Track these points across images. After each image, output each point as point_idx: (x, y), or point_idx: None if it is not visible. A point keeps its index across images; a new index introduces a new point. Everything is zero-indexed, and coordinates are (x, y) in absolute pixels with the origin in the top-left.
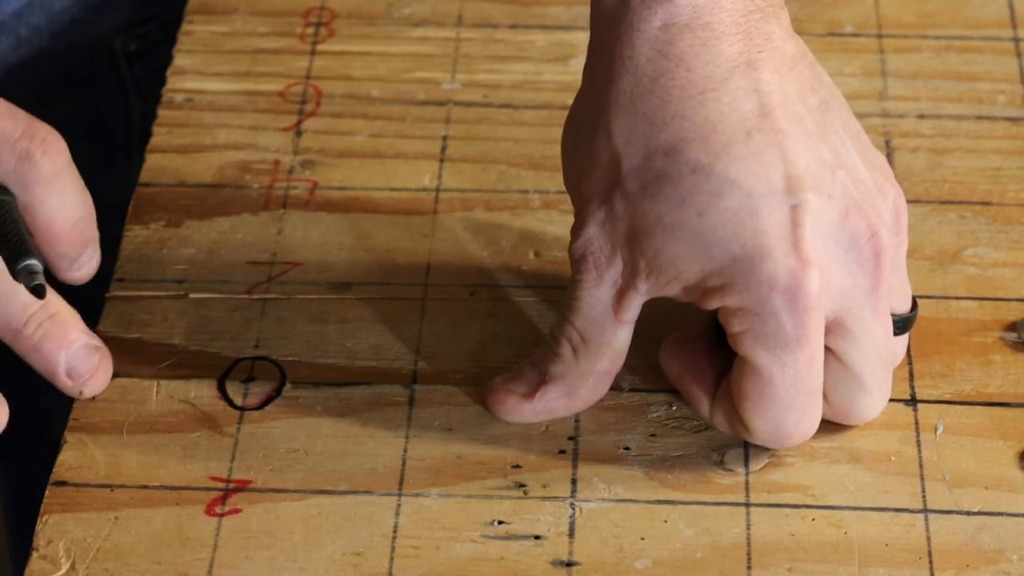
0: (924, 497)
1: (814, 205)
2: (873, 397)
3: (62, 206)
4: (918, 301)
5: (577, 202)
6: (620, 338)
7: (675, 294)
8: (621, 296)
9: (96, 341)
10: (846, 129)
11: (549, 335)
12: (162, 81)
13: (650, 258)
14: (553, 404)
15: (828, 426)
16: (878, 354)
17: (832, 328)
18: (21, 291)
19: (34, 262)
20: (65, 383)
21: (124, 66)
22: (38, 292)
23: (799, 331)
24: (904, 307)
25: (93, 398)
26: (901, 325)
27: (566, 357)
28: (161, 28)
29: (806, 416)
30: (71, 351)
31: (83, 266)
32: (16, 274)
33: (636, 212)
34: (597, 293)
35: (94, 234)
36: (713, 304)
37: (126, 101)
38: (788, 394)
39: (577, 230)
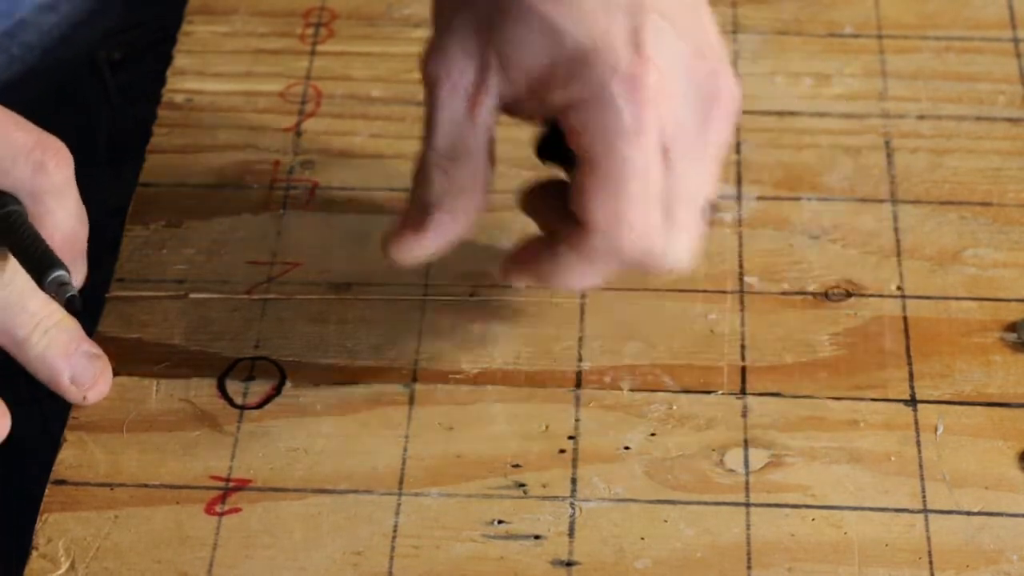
0: (924, 497)
1: (666, 29)
2: (683, 237)
3: (67, 217)
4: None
5: (436, 22)
6: (480, 141)
7: (520, 93)
8: (474, 98)
9: (96, 349)
10: (709, 16)
11: (416, 168)
12: (147, 88)
13: (502, 49)
14: (444, 229)
15: (828, 425)
16: (694, 194)
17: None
18: (28, 300)
19: (63, 273)
20: (69, 390)
21: (108, 74)
22: (72, 305)
23: (637, 123)
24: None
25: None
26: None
27: (437, 179)
28: (147, 35)
29: (648, 216)
30: (75, 359)
31: (74, 277)
32: (46, 287)
33: (495, 6)
34: (451, 103)
35: (85, 247)
36: (556, 98)
37: (111, 110)
38: (627, 185)
39: (431, 45)
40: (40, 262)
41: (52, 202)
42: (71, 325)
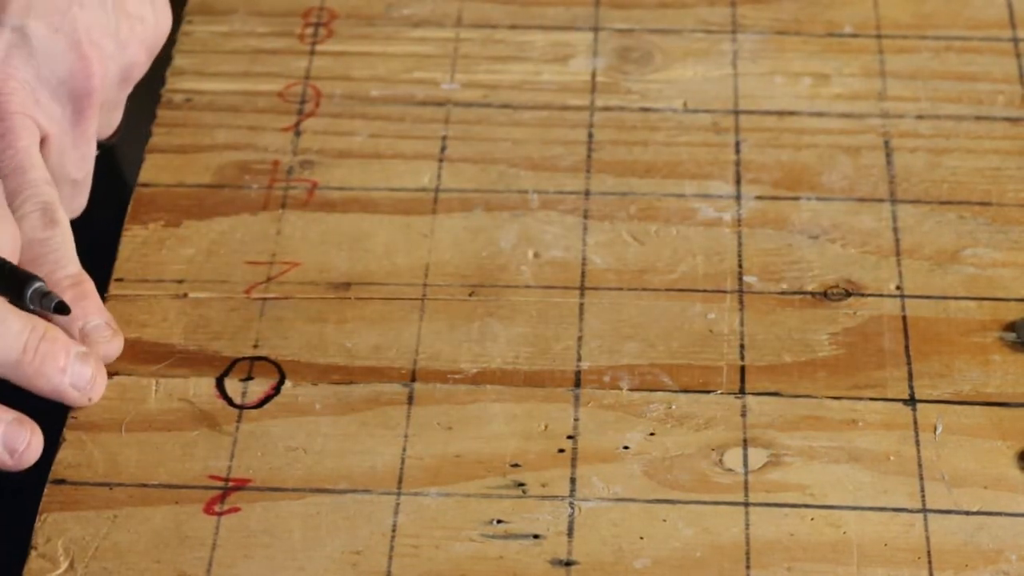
0: (923, 497)
1: (35, 31)
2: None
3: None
4: None
5: None
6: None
7: None
8: None
9: (82, 347)
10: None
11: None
12: (146, 87)
13: None
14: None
15: (827, 425)
16: (73, 175)
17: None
18: (11, 322)
19: (41, 283)
20: (74, 396)
21: None
22: (62, 309)
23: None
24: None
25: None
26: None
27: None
28: None
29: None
30: (70, 365)
31: None
32: (29, 300)
33: None
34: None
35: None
36: None
37: None
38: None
39: None
40: (12, 280)
41: None
42: (57, 333)
